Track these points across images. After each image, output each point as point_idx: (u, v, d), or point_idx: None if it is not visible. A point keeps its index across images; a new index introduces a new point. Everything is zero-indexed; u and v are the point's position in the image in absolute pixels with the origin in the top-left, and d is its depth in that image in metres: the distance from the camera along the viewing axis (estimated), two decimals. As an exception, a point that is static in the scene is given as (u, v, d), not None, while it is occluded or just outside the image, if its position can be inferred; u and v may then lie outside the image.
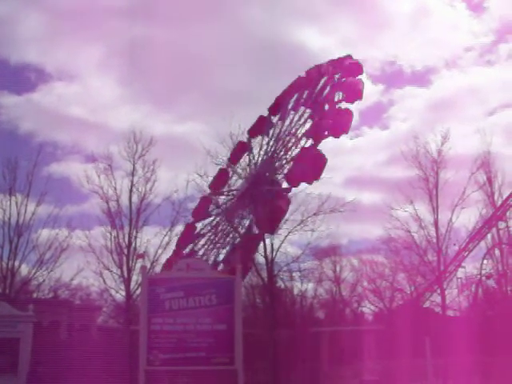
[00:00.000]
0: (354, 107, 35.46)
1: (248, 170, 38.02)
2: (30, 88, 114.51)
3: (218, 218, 38.03)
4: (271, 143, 38.20)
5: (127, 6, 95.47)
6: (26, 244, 36.63)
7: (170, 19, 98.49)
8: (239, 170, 38.48)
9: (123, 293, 34.87)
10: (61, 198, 39.56)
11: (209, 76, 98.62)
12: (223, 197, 38.80)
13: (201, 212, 38.33)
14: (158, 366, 24.96)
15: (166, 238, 35.70)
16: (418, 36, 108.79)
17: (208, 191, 38.17)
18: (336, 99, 36.15)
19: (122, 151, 36.59)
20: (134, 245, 35.07)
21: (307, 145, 35.18)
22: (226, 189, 38.90)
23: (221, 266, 35.08)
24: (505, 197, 40.96)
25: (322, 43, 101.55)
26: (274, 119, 39.47)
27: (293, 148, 36.81)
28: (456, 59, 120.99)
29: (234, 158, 38.38)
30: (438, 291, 37.74)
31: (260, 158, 38.01)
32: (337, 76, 38.37)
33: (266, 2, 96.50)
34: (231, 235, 37.39)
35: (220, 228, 38.07)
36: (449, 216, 36.17)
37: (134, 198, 35.81)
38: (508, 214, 41.78)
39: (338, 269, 55.56)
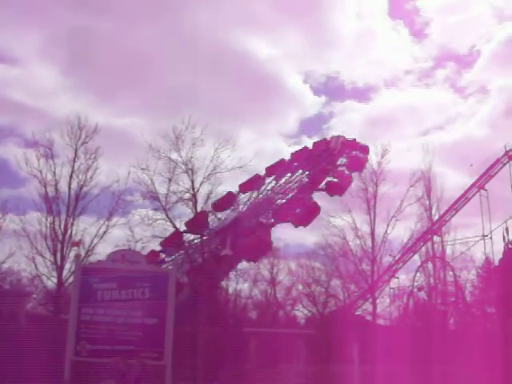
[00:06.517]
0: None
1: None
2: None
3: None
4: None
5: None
6: (-44, 224, 35.52)
7: (116, 13, 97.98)
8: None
9: (55, 280, 34.05)
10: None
11: (151, 73, 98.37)
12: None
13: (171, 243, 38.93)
14: (85, 357, 24.60)
15: (103, 228, 35.09)
16: (362, 56, 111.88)
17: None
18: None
19: (65, 136, 35.70)
20: (69, 232, 34.34)
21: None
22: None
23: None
24: (442, 212, 41.89)
25: (268, 53, 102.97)
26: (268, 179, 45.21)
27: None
28: (396, 80, 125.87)
29: (219, 205, 40.91)
30: (370, 300, 38.30)
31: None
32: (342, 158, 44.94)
33: (215, 8, 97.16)
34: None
35: None
36: (385, 227, 36.72)
37: (74, 185, 35.06)
38: (443, 229, 42.84)
39: (274, 271, 55.69)
